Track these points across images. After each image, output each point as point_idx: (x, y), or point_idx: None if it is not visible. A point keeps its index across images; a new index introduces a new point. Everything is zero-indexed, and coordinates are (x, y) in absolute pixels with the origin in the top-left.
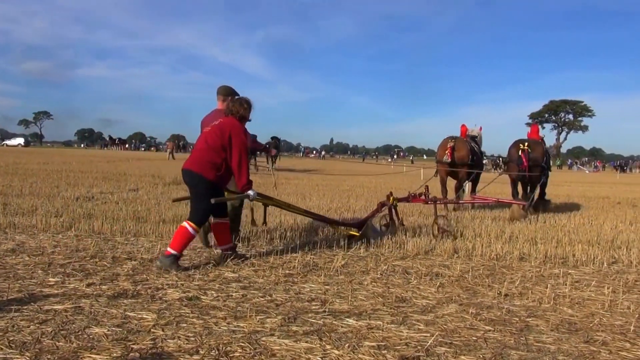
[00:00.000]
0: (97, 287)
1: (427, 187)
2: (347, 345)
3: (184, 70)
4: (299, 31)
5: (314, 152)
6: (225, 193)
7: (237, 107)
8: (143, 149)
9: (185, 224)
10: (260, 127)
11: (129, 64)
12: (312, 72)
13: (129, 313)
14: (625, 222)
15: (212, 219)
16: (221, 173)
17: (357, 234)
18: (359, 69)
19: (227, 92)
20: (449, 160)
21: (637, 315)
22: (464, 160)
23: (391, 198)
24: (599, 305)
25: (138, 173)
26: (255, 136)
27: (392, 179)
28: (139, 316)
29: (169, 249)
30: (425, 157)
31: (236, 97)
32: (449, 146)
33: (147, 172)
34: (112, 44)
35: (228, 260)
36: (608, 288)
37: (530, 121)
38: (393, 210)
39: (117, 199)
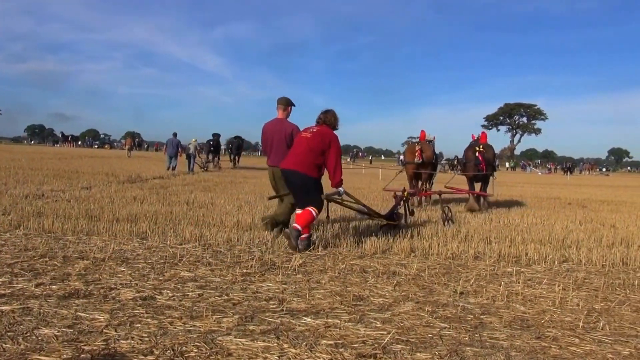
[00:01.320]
0: (47, 287)
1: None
2: (304, 344)
3: (139, 66)
4: (259, 29)
5: None
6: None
7: (332, 120)
8: (96, 146)
9: (310, 209)
10: (219, 127)
11: (83, 58)
12: (272, 71)
13: (80, 313)
14: (576, 222)
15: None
16: (322, 172)
17: (395, 223)
18: (318, 69)
19: (287, 103)
20: (420, 160)
21: (585, 312)
22: (430, 160)
23: (405, 193)
24: (550, 303)
25: (91, 171)
26: (219, 135)
27: (350, 179)
28: (91, 317)
29: (303, 235)
30: (383, 157)
31: (329, 110)
32: (417, 149)
33: (101, 169)
34: (65, 38)
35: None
36: (559, 286)
37: (485, 123)
38: (405, 202)
39: (69, 197)
